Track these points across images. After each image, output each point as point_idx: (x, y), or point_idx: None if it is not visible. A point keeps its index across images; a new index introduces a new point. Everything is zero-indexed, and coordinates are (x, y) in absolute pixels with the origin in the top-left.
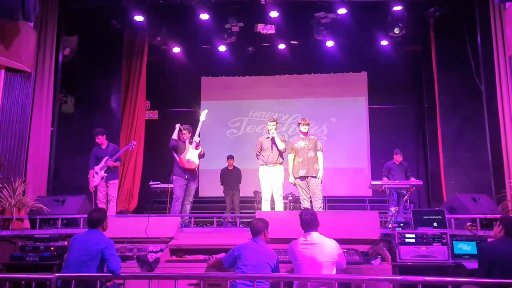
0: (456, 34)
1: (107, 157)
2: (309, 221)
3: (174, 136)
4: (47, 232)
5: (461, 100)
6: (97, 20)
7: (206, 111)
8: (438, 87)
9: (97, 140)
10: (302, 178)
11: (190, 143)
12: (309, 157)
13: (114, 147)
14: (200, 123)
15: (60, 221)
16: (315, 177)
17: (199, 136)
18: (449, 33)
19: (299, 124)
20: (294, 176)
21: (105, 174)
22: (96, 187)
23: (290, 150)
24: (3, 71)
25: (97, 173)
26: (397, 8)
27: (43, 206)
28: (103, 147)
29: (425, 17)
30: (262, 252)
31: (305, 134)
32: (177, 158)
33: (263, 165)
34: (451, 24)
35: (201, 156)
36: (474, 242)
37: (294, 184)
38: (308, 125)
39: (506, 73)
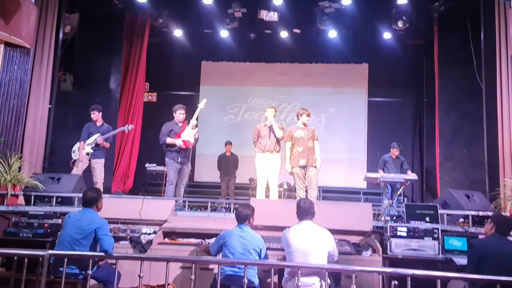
0: (460, 30)
1: (98, 134)
2: (306, 209)
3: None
4: (41, 209)
5: (461, 96)
6: None
7: (205, 100)
8: (438, 82)
9: (92, 116)
10: (302, 167)
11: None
12: (309, 147)
13: (108, 127)
14: (199, 109)
15: (54, 199)
16: (314, 166)
17: (196, 119)
18: (453, 29)
19: (301, 114)
20: (293, 165)
21: (91, 151)
22: (76, 161)
23: (288, 138)
24: (2, 45)
25: (83, 148)
26: (402, 1)
27: (38, 183)
28: (98, 124)
29: (429, 11)
30: (248, 238)
31: (305, 124)
32: (173, 140)
33: (260, 152)
34: (455, 19)
35: (196, 139)
36: (465, 238)
37: (291, 173)
38: (309, 115)
39: (507, 72)
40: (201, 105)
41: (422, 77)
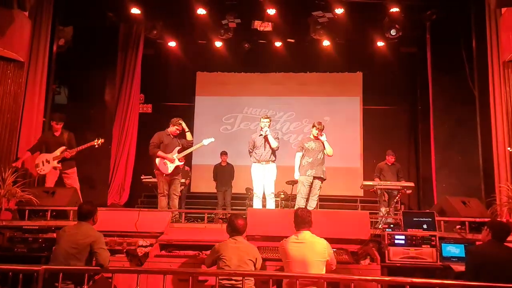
0: (452, 37)
1: (64, 147)
2: (303, 219)
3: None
4: (36, 223)
5: (455, 103)
6: (93, 12)
7: (212, 139)
8: (432, 89)
9: (55, 126)
10: (310, 177)
11: (180, 151)
12: (318, 158)
13: (69, 134)
14: (199, 146)
15: (49, 213)
16: (322, 178)
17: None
18: (445, 36)
19: (312, 126)
20: (301, 174)
21: (60, 165)
22: (45, 175)
23: (299, 149)
24: None
25: (48, 161)
26: (394, 9)
27: (33, 197)
28: (56, 134)
29: (421, 20)
30: (243, 249)
31: (316, 136)
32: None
33: (255, 162)
34: (447, 27)
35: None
36: (463, 245)
37: (296, 182)
38: (318, 129)
39: (499, 78)
40: (205, 142)
41: (416, 85)
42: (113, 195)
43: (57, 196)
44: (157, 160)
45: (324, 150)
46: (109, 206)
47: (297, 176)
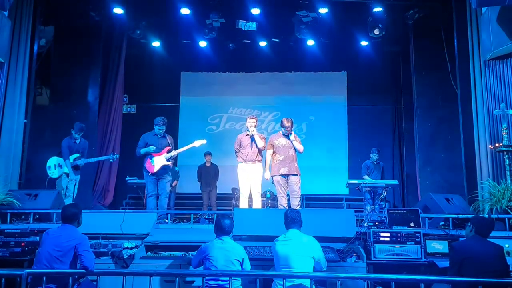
0: (434, 36)
1: (78, 155)
2: (292, 218)
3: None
4: (18, 227)
5: (437, 101)
6: (74, 11)
7: (204, 141)
8: (415, 88)
9: (74, 134)
10: (282, 175)
11: (169, 151)
12: (290, 155)
13: (85, 142)
14: (190, 146)
15: (32, 216)
16: (296, 174)
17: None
18: (428, 36)
19: (282, 123)
20: (274, 173)
21: (70, 171)
22: (55, 179)
23: (269, 146)
24: None
25: (61, 166)
26: (377, 9)
27: (14, 200)
28: (77, 141)
29: (404, 19)
30: (229, 249)
31: (287, 134)
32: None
33: (242, 162)
34: (429, 26)
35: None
36: (446, 241)
37: (272, 182)
38: (292, 124)
39: (481, 77)
40: (196, 144)
41: (399, 84)
42: (98, 196)
43: (40, 199)
44: (145, 160)
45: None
46: (93, 208)
47: (267, 175)
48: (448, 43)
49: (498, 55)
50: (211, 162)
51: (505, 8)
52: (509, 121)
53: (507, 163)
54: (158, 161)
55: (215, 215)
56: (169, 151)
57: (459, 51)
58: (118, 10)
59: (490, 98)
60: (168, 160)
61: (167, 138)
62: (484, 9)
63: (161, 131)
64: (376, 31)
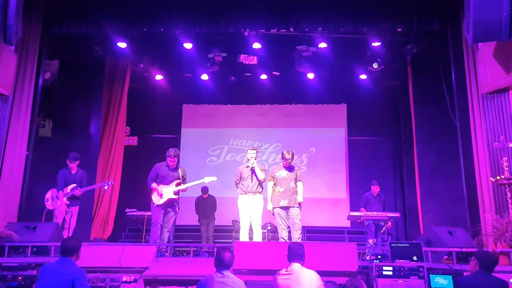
0: (432, 70)
1: (75, 185)
2: (294, 251)
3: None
4: (15, 260)
5: (437, 134)
6: (79, 46)
7: (215, 178)
8: (415, 120)
9: (70, 164)
10: (283, 208)
11: (178, 184)
12: (290, 187)
13: (83, 173)
14: (199, 182)
15: (30, 249)
16: (296, 207)
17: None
18: (426, 69)
19: (283, 155)
20: (274, 205)
21: (68, 202)
22: (52, 211)
23: (270, 178)
24: None
25: (57, 197)
26: (376, 44)
27: (13, 233)
28: (73, 172)
29: (402, 54)
30: (230, 284)
31: (286, 165)
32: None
33: (242, 194)
34: (427, 60)
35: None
36: (451, 276)
37: (273, 214)
38: (293, 157)
39: (479, 110)
40: (206, 180)
41: (399, 116)
42: (97, 229)
43: (38, 232)
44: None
45: (297, 182)
46: (92, 241)
47: (270, 206)
48: (446, 77)
49: (495, 89)
50: (208, 194)
51: (501, 43)
52: (509, 153)
53: (509, 196)
54: (166, 194)
55: (215, 248)
56: (178, 185)
57: (457, 84)
58: (122, 45)
59: (489, 131)
60: (175, 194)
61: (179, 170)
62: (480, 44)
63: (172, 163)
64: (375, 65)
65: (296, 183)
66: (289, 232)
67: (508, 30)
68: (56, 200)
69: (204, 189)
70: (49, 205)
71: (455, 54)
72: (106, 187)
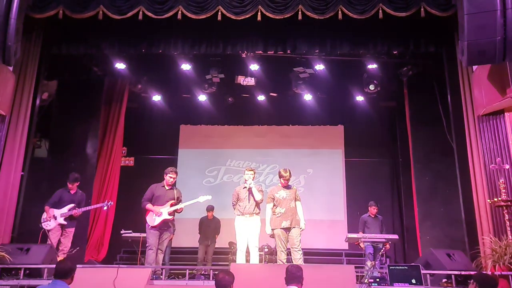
0: (428, 92)
1: (73, 205)
2: (292, 273)
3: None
4: (7, 283)
5: (434, 155)
6: (78, 66)
7: (209, 197)
8: (411, 142)
9: (69, 185)
10: (284, 229)
11: (173, 205)
12: (291, 208)
13: (82, 194)
14: (193, 201)
15: (22, 271)
16: (297, 227)
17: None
18: (422, 91)
19: (280, 173)
20: (274, 227)
21: (65, 222)
22: (48, 231)
23: (269, 200)
24: None
25: (55, 217)
26: (372, 66)
27: (5, 255)
28: (72, 192)
29: (398, 75)
30: None
31: (284, 184)
32: (150, 209)
33: (239, 215)
34: (423, 82)
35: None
36: None
37: (272, 236)
38: (290, 174)
39: (475, 132)
40: (201, 199)
41: (396, 137)
42: (91, 250)
43: (31, 253)
44: (146, 212)
45: (296, 202)
46: (86, 263)
47: (269, 230)
48: (442, 98)
49: (491, 111)
50: (213, 216)
51: (496, 66)
52: (506, 175)
53: (507, 218)
54: (165, 214)
55: (212, 271)
56: (172, 205)
57: (452, 107)
58: (120, 66)
59: (486, 153)
60: (170, 214)
61: (175, 191)
62: (475, 66)
63: (171, 180)
64: (372, 87)
65: (295, 203)
66: (288, 254)
67: (502, 53)
68: (54, 220)
69: (209, 208)
70: (46, 224)
71: (450, 76)
72: (105, 208)
